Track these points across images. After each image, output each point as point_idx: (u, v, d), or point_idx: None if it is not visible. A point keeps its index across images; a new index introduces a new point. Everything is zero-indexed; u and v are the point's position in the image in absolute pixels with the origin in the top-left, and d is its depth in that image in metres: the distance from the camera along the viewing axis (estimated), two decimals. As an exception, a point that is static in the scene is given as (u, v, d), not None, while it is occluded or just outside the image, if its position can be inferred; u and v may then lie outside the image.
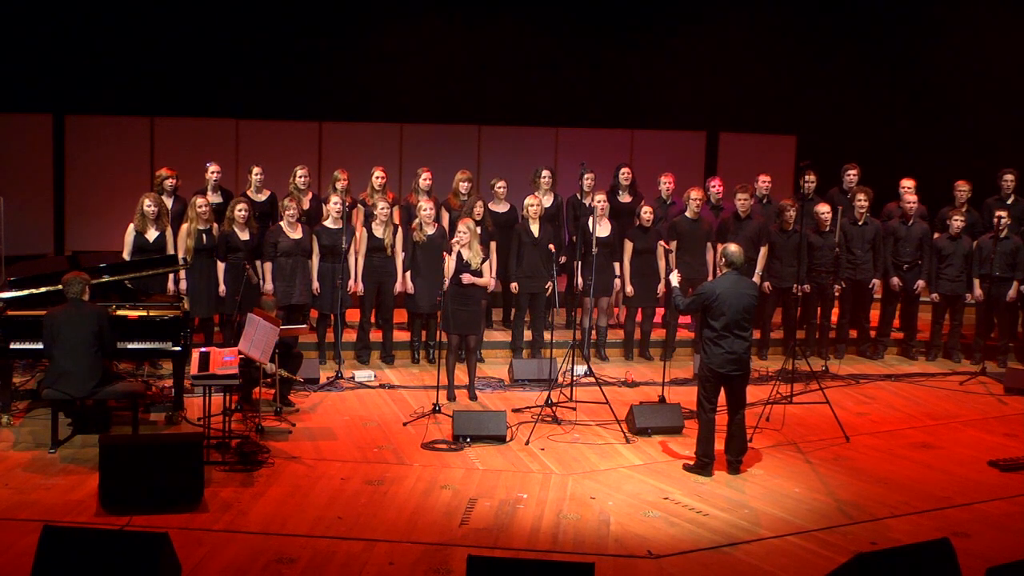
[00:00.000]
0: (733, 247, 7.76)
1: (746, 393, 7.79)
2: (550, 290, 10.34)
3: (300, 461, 7.69)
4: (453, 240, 9.23)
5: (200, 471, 6.89)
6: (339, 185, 10.30)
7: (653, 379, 10.01)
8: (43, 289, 8.20)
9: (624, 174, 11.18)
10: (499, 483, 7.38)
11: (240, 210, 9.79)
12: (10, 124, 12.26)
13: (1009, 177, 11.32)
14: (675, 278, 8.23)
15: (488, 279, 9.38)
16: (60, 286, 7.74)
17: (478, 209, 10.35)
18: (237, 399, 8.46)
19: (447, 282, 9.11)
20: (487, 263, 9.34)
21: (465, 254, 9.14)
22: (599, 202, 10.40)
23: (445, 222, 10.58)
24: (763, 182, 11.37)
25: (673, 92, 13.84)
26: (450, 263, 9.11)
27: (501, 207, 10.81)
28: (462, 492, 7.19)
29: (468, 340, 9.33)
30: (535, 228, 10.29)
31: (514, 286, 10.38)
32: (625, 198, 11.17)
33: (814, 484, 7.56)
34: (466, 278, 9.09)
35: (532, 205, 10.26)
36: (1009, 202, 11.25)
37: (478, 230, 9.60)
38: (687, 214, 10.71)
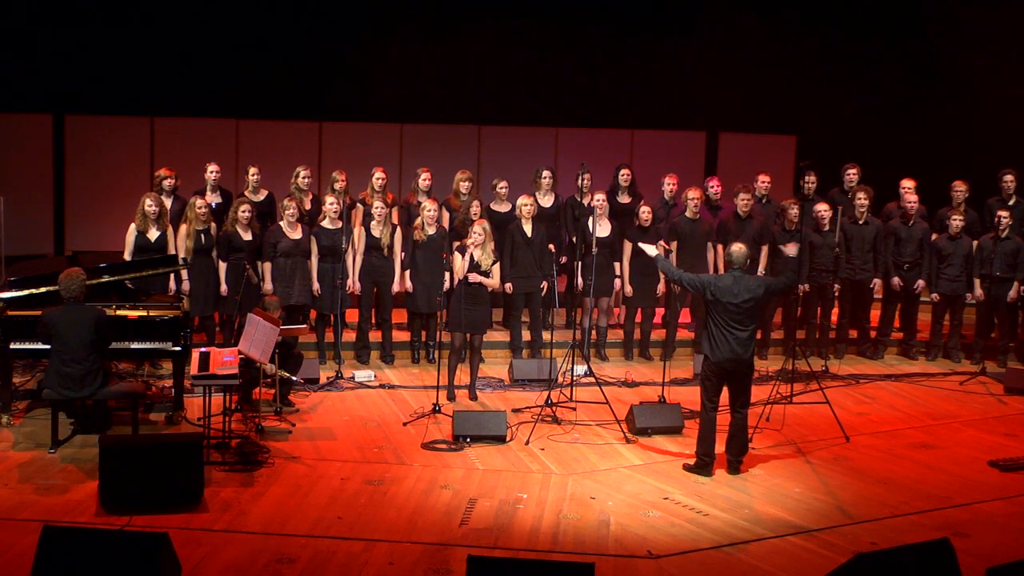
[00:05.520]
0: (736, 246, 7.75)
1: (751, 391, 7.77)
2: (545, 289, 10.35)
3: (300, 461, 7.69)
4: (468, 240, 9.22)
5: (200, 471, 6.89)
6: (337, 186, 10.31)
7: (653, 379, 10.01)
8: (43, 289, 8.20)
9: (624, 175, 11.18)
10: (499, 483, 7.38)
11: (244, 211, 9.80)
12: (10, 124, 12.26)
13: (1009, 178, 11.32)
14: (652, 249, 8.12)
15: (496, 281, 9.38)
16: (59, 287, 7.72)
17: (475, 209, 10.36)
18: (237, 399, 8.46)
19: (447, 282, 9.10)
20: (497, 265, 9.33)
21: (477, 255, 9.14)
22: (599, 202, 10.41)
23: (445, 222, 10.58)
24: (762, 182, 11.37)
25: (673, 92, 13.84)
26: (462, 263, 9.10)
27: (503, 207, 10.81)
28: (462, 492, 7.19)
29: (473, 340, 9.34)
30: (528, 228, 10.28)
31: (508, 286, 10.38)
32: (624, 199, 11.17)
33: (814, 484, 7.56)
34: (473, 277, 9.09)
35: (525, 205, 10.25)
36: (1011, 203, 11.25)
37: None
38: (686, 214, 10.72)
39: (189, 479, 6.80)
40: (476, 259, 9.14)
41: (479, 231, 9.16)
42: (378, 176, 10.60)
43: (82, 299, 7.69)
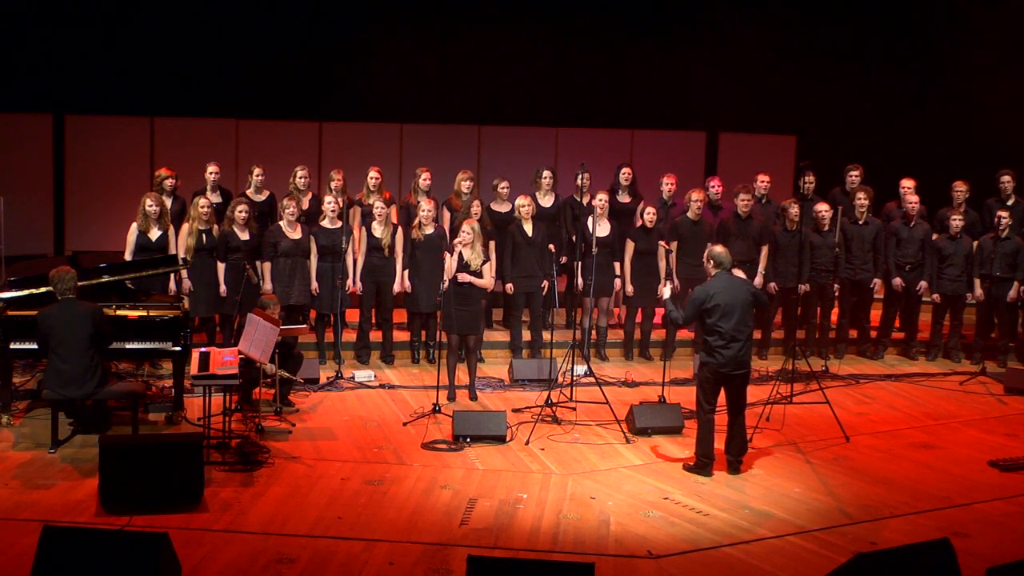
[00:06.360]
0: (719, 248, 7.76)
1: (746, 394, 7.78)
2: (546, 289, 10.35)
3: (300, 461, 7.69)
4: (456, 240, 9.23)
5: (200, 471, 6.89)
6: (334, 185, 10.32)
7: (653, 379, 10.01)
8: (43, 289, 8.19)
9: (624, 174, 11.18)
10: (499, 483, 7.38)
11: (240, 211, 9.80)
12: (10, 124, 12.25)
13: (1007, 178, 11.33)
14: (667, 291, 8.23)
15: (487, 280, 9.38)
16: (51, 287, 7.71)
17: (475, 209, 10.36)
18: (237, 399, 8.46)
19: (446, 282, 9.11)
20: (487, 264, 9.33)
21: (466, 254, 9.14)
22: (600, 201, 10.41)
23: (446, 222, 10.59)
24: (762, 182, 11.38)
25: (673, 92, 13.84)
26: (451, 263, 9.12)
27: (503, 207, 10.80)
28: (462, 492, 7.19)
29: (467, 340, 9.33)
30: (528, 228, 10.29)
31: (509, 287, 10.38)
32: (625, 198, 11.17)
33: (814, 484, 7.56)
34: (462, 276, 9.09)
35: (524, 206, 10.26)
36: (1009, 203, 11.26)
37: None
38: (688, 215, 10.72)
39: (189, 479, 6.80)
40: (465, 259, 9.14)
41: (467, 230, 9.16)
42: (373, 176, 10.61)
43: (74, 294, 7.67)
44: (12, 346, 8.12)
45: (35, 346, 7.97)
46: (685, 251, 10.67)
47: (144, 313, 8.51)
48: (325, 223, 10.09)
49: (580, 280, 10.49)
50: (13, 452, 7.69)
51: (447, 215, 10.67)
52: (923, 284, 11.10)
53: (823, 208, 10.89)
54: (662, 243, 10.60)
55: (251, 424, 8.28)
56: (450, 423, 8.38)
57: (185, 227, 9.80)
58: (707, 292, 7.58)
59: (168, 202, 10.18)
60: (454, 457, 7.90)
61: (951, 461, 8.15)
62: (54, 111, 12.51)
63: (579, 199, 10.65)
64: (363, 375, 9.95)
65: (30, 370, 9.32)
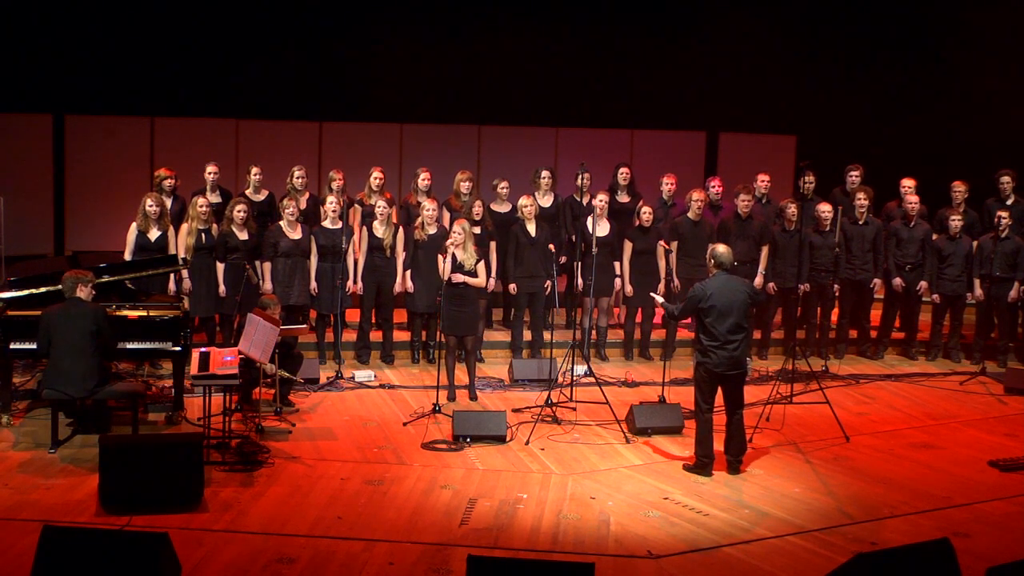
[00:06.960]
0: (721, 248, 7.76)
1: (743, 393, 7.78)
2: (549, 289, 10.35)
3: (300, 461, 7.69)
4: (448, 241, 9.23)
5: (200, 471, 6.89)
6: (335, 185, 10.32)
7: (653, 379, 10.01)
8: (43, 289, 8.21)
9: (623, 174, 11.18)
10: (499, 483, 7.38)
11: (239, 211, 9.80)
12: (10, 124, 12.26)
13: (1006, 179, 11.33)
14: (660, 297, 8.45)
15: (482, 280, 9.37)
16: (60, 286, 7.76)
17: (477, 209, 10.36)
18: (237, 399, 8.46)
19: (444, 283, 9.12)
20: (481, 264, 9.32)
21: (459, 255, 9.13)
22: (600, 201, 10.40)
23: (446, 222, 10.58)
24: (762, 182, 11.38)
25: (673, 92, 13.84)
26: (445, 264, 9.11)
27: (503, 207, 10.81)
28: (462, 492, 7.19)
29: (465, 341, 9.32)
30: (532, 228, 10.29)
31: (512, 287, 10.38)
32: (623, 198, 11.17)
33: (814, 484, 7.56)
34: (456, 277, 9.08)
35: (526, 206, 10.27)
36: (1009, 203, 11.26)
37: (475, 231, 9.59)
38: (689, 215, 10.72)
39: (189, 479, 6.80)
40: (459, 259, 9.13)
41: (458, 231, 9.16)
42: (376, 176, 10.61)
43: (81, 295, 7.68)
44: (12, 346, 8.12)
45: (35, 346, 7.98)
46: (685, 251, 10.67)
47: (144, 313, 8.52)
48: (326, 223, 10.09)
49: (580, 280, 10.49)
50: (13, 452, 7.70)
51: (447, 215, 10.67)
52: (923, 284, 11.10)
53: (825, 208, 10.88)
54: (662, 243, 10.61)
55: (251, 424, 8.29)
56: (450, 423, 8.38)
57: (184, 227, 9.81)
58: (704, 291, 7.59)
59: (168, 202, 10.18)
60: (454, 457, 7.90)
61: (951, 461, 8.16)
62: (54, 111, 12.51)
63: (579, 199, 10.66)
64: (363, 375, 9.95)
65: (30, 370, 9.32)
